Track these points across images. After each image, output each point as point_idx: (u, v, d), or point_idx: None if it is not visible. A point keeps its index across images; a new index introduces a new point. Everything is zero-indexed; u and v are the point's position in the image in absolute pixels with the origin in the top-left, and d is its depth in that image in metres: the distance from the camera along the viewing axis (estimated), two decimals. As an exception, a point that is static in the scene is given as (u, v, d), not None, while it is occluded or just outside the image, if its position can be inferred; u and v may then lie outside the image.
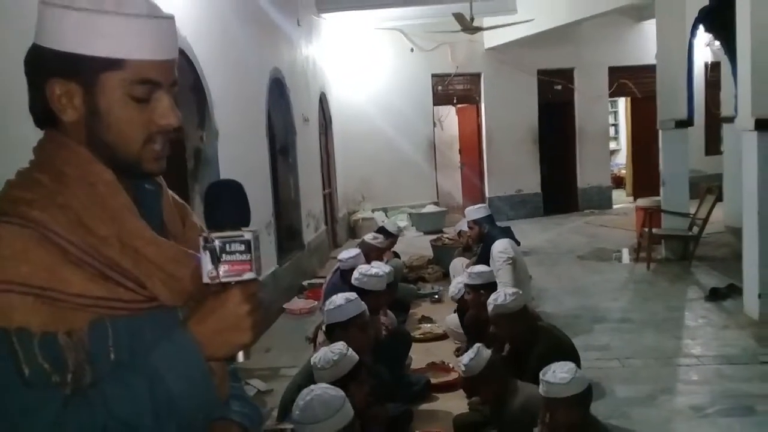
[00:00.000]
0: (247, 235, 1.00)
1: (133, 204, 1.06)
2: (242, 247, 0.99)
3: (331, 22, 10.30)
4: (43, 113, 1.06)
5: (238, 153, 5.72)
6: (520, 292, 3.95)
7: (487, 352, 3.32)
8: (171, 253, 1.06)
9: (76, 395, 0.96)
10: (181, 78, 5.28)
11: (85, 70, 1.01)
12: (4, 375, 0.92)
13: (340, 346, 3.03)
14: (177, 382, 0.99)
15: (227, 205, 1.03)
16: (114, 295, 1.00)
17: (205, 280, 0.99)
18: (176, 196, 1.24)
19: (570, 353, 3.67)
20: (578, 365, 3.72)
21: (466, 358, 3.35)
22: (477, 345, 3.40)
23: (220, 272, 0.99)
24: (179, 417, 1.01)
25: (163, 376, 0.98)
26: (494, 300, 3.81)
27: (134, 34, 1.00)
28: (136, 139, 1.05)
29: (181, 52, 4.72)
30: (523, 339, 3.76)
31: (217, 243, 0.98)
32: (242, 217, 1.04)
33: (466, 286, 4.62)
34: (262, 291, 1.11)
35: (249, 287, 1.02)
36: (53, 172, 1.03)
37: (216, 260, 0.98)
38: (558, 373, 2.79)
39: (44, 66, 1.02)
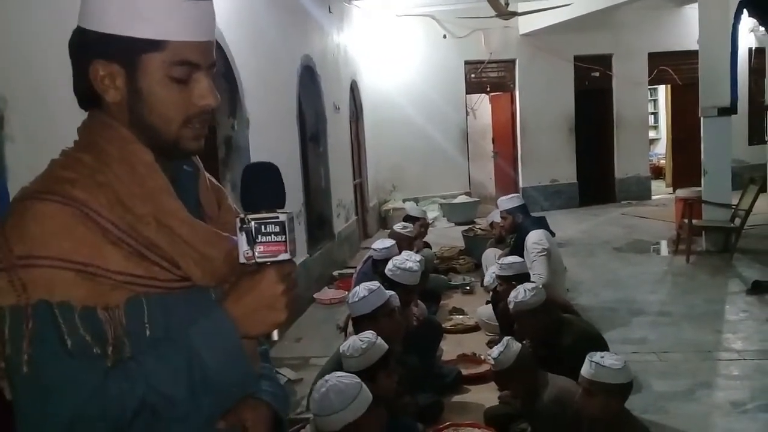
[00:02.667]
0: (282, 217, 1.03)
1: (169, 184, 1.10)
2: (277, 229, 1.03)
3: (363, 8, 10.21)
4: (86, 94, 1.10)
5: (269, 141, 5.71)
6: (540, 286, 3.90)
7: (516, 345, 3.25)
8: (204, 234, 1.10)
9: (117, 367, 1.01)
10: (212, 65, 5.26)
11: (126, 51, 1.04)
12: (48, 345, 0.97)
13: (369, 334, 2.98)
14: (213, 358, 1.03)
15: (263, 186, 1.06)
16: (150, 273, 1.04)
17: (242, 259, 1.04)
18: (213, 179, 1.28)
19: (598, 344, 3.61)
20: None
21: (495, 351, 3.28)
22: (506, 338, 3.32)
23: (256, 252, 1.03)
24: (215, 391, 1.06)
25: (200, 352, 1.03)
26: (514, 297, 3.79)
27: (174, 16, 1.04)
28: (176, 119, 1.08)
29: (212, 39, 4.69)
30: (547, 333, 3.71)
31: (252, 224, 1.02)
32: (278, 199, 1.07)
33: (498, 277, 4.52)
34: (296, 272, 1.12)
35: (284, 267, 1.06)
36: (95, 151, 1.07)
37: (252, 241, 1.02)
38: (608, 359, 2.79)
39: (88, 48, 1.06)
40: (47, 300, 0.97)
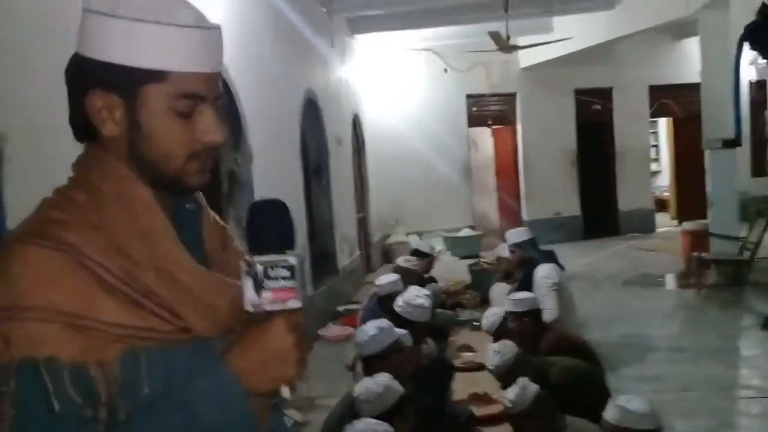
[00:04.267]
0: (292, 260, 0.94)
1: (170, 226, 1.01)
2: (287, 273, 0.93)
3: (364, 43, 10.25)
4: (82, 126, 1.01)
5: (272, 175, 5.64)
6: (507, 341, 3.80)
7: (534, 387, 3.10)
8: (208, 281, 1.01)
9: None
10: (216, 99, 5.23)
11: (126, 81, 0.96)
12: (32, 408, 0.87)
13: (384, 377, 2.84)
14: (216, 420, 0.94)
15: (270, 225, 0.97)
16: (148, 324, 0.94)
17: (247, 308, 0.93)
18: (217, 217, 1.18)
19: (587, 377, 3.55)
20: (605, 390, 3.53)
21: (511, 393, 3.13)
22: (523, 379, 3.18)
23: (264, 300, 0.93)
24: None
25: (200, 413, 0.93)
26: (489, 364, 3.74)
27: (179, 46, 0.96)
28: (178, 155, 1.00)
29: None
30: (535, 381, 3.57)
31: (259, 268, 0.92)
32: (286, 240, 0.98)
33: (509, 313, 4.39)
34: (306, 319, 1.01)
35: (293, 316, 0.96)
36: (89, 189, 0.99)
37: (259, 287, 0.93)
38: (633, 403, 2.63)
39: (85, 76, 0.98)
40: (32, 356, 0.87)
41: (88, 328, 0.90)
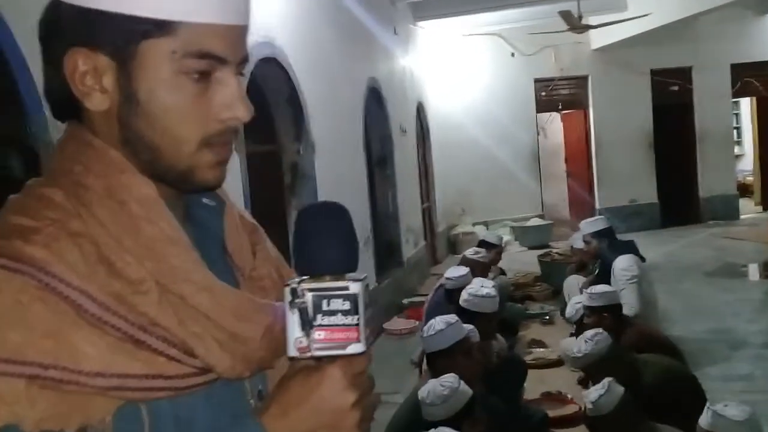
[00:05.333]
0: (354, 287, 0.69)
1: (180, 231, 0.75)
2: (346, 305, 0.69)
3: (428, 30, 10.03)
4: (63, 99, 0.75)
5: (335, 166, 5.54)
6: (601, 330, 3.49)
7: (619, 389, 2.86)
8: (233, 302, 0.75)
9: None
10: (278, 90, 5.21)
11: (118, 35, 0.71)
12: None
13: (450, 378, 2.68)
14: None
15: (326, 239, 0.71)
16: (151, 369, 0.69)
17: (291, 352, 0.69)
18: (246, 214, 0.90)
19: (685, 381, 3.28)
20: (701, 396, 3.26)
21: (594, 394, 2.89)
22: (607, 379, 2.94)
23: (313, 341, 0.69)
24: None
25: None
26: (576, 351, 3.44)
27: None
28: (189, 137, 0.74)
29: (277, 63, 4.58)
30: (624, 379, 3.27)
31: (309, 297, 0.69)
32: (348, 260, 0.72)
33: (586, 308, 4.16)
34: (371, 367, 0.75)
35: (354, 364, 0.71)
36: (70, 185, 0.73)
37: (308, 324, 0.69)
38: (731, 409, 2.43)
39: (63, 30, 0.72)
40: None
41: (62, 381, 0.65)
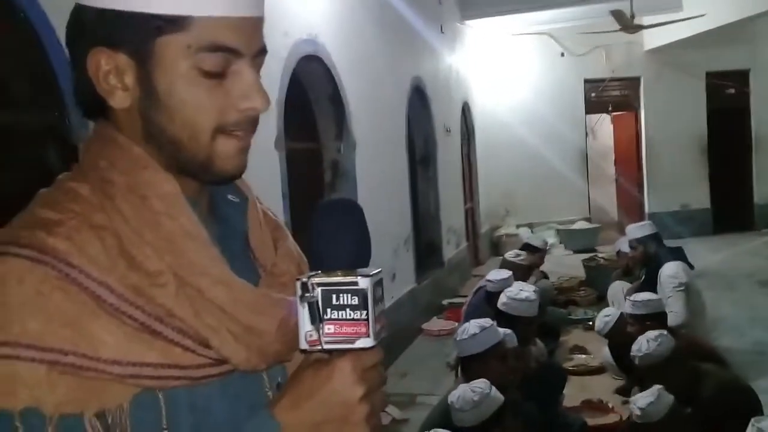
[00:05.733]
0: (363, 283, 0.70)
1: (200, 227, 0.77)
2: (355, 300, 0.70)
3: (476, 28, 9.94)
4: (89, 98, 0.78)
5: (376, 164, 5.52)
6: (665, 332, 3.36)
7: (669, 398, 2.76)
8: (249, 296, 0.77)
9: None
10: (320, 88, 5.22)
11: (135, 34, 0.73)
12: None
13: (481, 384, 2.62)
14: None
15: (337, 235, 0.74)
16: (166, 359, 0.72)
17: (302, 345, 0.71)
18: (269, 211, 0.92)
19: (745, 396, 3.11)
20: (760, 411, 3.12)
21: (642, 400, 2.79)
22: (657, 387, 2.83)
23: (324, 335, 0.71)
24: None
25: None
26: (637, 350, 3.28)
27: None
28: (205, 128, 0.76)
29: (320, 61, 4.58)
30: (681, 387, 3.14)
31: (319, 292, 0.70)
32: (359, 254, 0.74)
33: (629, 316, 4.02)
34: (382, 361, 0.76)
35: (363, 359, 0.72)
36: (96, 180, 0.76)
37: (318, 318, 0.70)
38: None
39: (86, 32, 0.75)
40: (6, 408, 0.67)
41: (81, 367, 0.68)
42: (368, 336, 0.70)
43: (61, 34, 2.17)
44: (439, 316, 6.80)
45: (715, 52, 10.58)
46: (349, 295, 0.70)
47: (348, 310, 0.70)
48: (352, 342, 0.70)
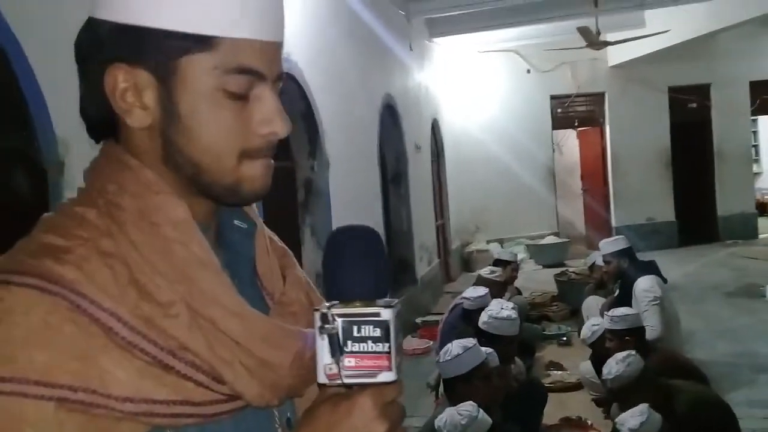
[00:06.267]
0: (386, 314, 0.67)
1: (212, 255, 0.73)
2: (378, 332, 0.67)
3: (444, 46, 10.00)
4: (100, 117, 0.75)
5: (350, 183, 5.47)
6: (633, 352, 3.37)
7: (657, 416, 2.74)
8: (263, 328, 0.74)
9: None
10: (292, 105, 5.15)
11: (159, 51, 0.70)
12: None
13: (468, 407, 2.58)
14: None
15: (356, 264, 0.70)
16: (178, 395, 0.68)
17: (320, 379, 0.68)
18: (275, 237, 0.90)
19: (719, 409, 3.14)
20: (735, 425, 3.14)
21: (632, 420, 2.76)
22: (644, 405, 2.82)
23: (343, 368, 0.67)
24: None
25: None
26: (607, 373, 3.30)
27: (230, 4, 0.71)
28: (229, 152, 0.73)
29: (292, 78, 4.53)
30: (655, 405, 3.15)
31: (339, 323, 0.67)
32: (379, 285, 0.70)
33: (608, 331, 4.03)
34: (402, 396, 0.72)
35: (385, 393, 0.68)
36: (103, 204, 0.72)
37: (338, 350, 0.67)
38: None
39: (102, 47, 0.72)
40: None
41: (91, 404, 0.64)
42: (390, 370, 0.67)
43: (30, 51, 2.09)
44: (413, 334, 6.72)
45: (676, 67, 10.81)
46: (372, 327, 0.66)
47: (370, 342, 0.66)
48: (374, 376, 0.67)
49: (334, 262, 0.70)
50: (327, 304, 0.68)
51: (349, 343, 0.66)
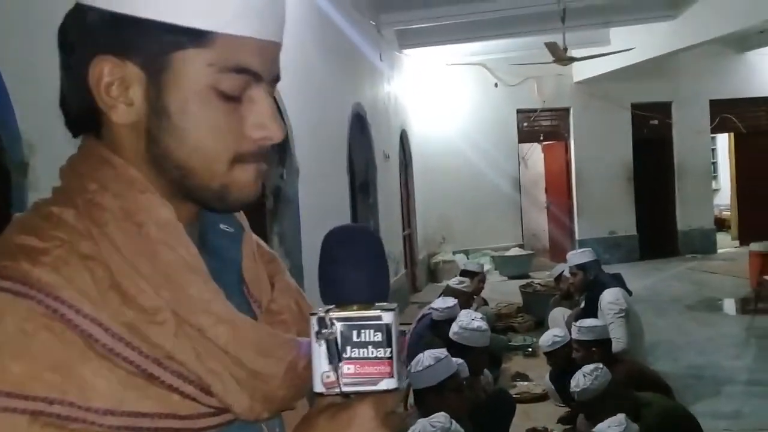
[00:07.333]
0: (387, 317, 0.63)
1: (200, 258, 0.68)
2: (378, 337, 0.63)
3: (413, 57, 10.06)
4: (81, 110, 0.70)
5: (319, 191, 5.42)
6: (601, 365, 3.40)
7: (635, 427, 2.75)
8: (254, 336, 0.68)
9: None
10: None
11: (152, 44, 0.66)
12: None
13: (441, 418, 2.56)
14: None
15: (356, 265, 0.67)
16: (164, 407, 0.63)
17: (318, 388, 0.64)
18: (263, 243, 0.85)
19: (686, 422, 3.20)
20: None
21: (610, 431, 2.76)
22: (622, 415, 2.83)
23: (342, 376, 0.63)
24: None
25: None
26: (575, 386, 3.32)
27: None
28: (220, 156, 0.68)
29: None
30: None
31: (339, 328, 0.63)
32: (377, 286, 0.67)
33: (575, 342, 4.07)
34: (400, 405, 0.69)
35: (386, 402, 0.65)
36: (82, 204, 0.67)
37: (336, 356, 0.63)
38: None
39: (89, 36, 0.67)
40: None
41: (69, 418, 0.59)
42: (392, 376, 0.63)
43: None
44: (380, 344, 6.69)
45: (639, 85, 11.05)
46: (372, 331, 0.62)
47: (371, 347, 0.62)
48: (375, 383, 0.63)
49: (331, 264, 0.67)
50: (324, 308, 0.64)
51: (349, 348, 0.62)
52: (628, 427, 2.72)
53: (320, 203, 5.43)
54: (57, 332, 0.61)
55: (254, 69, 0.68)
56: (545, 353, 4.51)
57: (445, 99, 10.96)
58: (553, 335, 4.50)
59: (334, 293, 0.66)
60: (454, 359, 3.20)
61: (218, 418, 0.66)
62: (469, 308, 5.00)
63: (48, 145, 2.12)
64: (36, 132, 2.10)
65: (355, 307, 0.64)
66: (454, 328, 3.79)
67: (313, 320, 0.63)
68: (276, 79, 0.73)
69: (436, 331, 4.44)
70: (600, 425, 2.85)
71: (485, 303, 6.64)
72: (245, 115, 0.69)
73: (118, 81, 0.67)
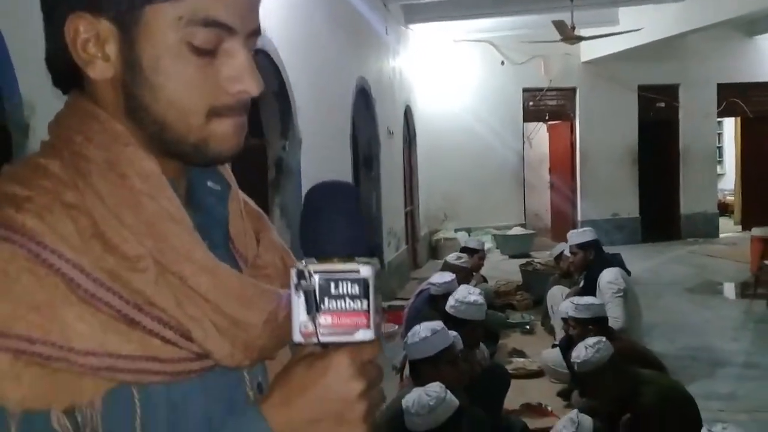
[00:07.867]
0: (365, 271, 0.64)
1: (182, 209, 0.71)
2: (356, 289, 0.64)
3: (419, 33, 9.98)
4: (64, 68, 0.71)
5: (321, 164, 5.42)
6: (604, 339, 3.40)
7: (588, 421, 2.76)
8: (236, 286, 0.70)
9: None
10: (266, 83, 5.03)
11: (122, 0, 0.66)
12: None
13: (436, 387, 2.58)
14: None
15: (335, 219, 0.67)
16: (144, 350, 0.65)
17: (297, 338, 0.65)
18: (250, 201, 0.86)
19: (686, 404, 3.18)
20: (698, 417, 3.21)
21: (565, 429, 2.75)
22: (574, 411, 2.85)
23: (320, 327, 0.64)
24: None
25: None
26: (576, 357, 3.30)
27: None
28: (195, 109, 0.69)
29: (266, 55, 4.45)
30: (621, 393, 3.19)
31: (317, 280, 0.64)
32: (356, 241, 0.67)
33: (572, 319, 4.08)
34: (382, 357, 0.70)
35: (362, 352, 0.66)
36: (68, 156, 0.69)
37: (315, 307, 0.64)
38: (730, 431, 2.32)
39: None
40: None
41: (51, 358, 0.61)
42: (369, 328, 0.64)
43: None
44: (379, 318, 6.73)
45: (647, 66, 10.97)
46: (350, 284, 0.64)
47: (348, 300, 0.64)
48: (351, 334, 0.65)
49: (312, 218, 0.68)
50: (304, 261, 0.65)
51: (326, 300, 0.64)
52: (581, 424, 2.72)
53: (323, 176, 5.32)
54: (39, 275, 0.62)
55: (225, 22, 0.68)
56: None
57: (450, 76, 10.89)
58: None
59: (314, 247, 0.67)
60: (450, 332, 3.22)
61: (199, 363, 0.68)
62: (467, 284, 5.02)
63: (48, 106, 2.12)
64: (36, 93, 2.10)
65: (335, 260, 0.65)
66: (451, 301, 3.81)
67: (293, 272, 0.64)
68: (255, 32, 0.72)
69: (433, 306, 4.47)
70: (557, 424, 2.86)
71: (485, 280, 6.67)
72: (220, 69, 0.69)
73: (94, 37, 0.68)
